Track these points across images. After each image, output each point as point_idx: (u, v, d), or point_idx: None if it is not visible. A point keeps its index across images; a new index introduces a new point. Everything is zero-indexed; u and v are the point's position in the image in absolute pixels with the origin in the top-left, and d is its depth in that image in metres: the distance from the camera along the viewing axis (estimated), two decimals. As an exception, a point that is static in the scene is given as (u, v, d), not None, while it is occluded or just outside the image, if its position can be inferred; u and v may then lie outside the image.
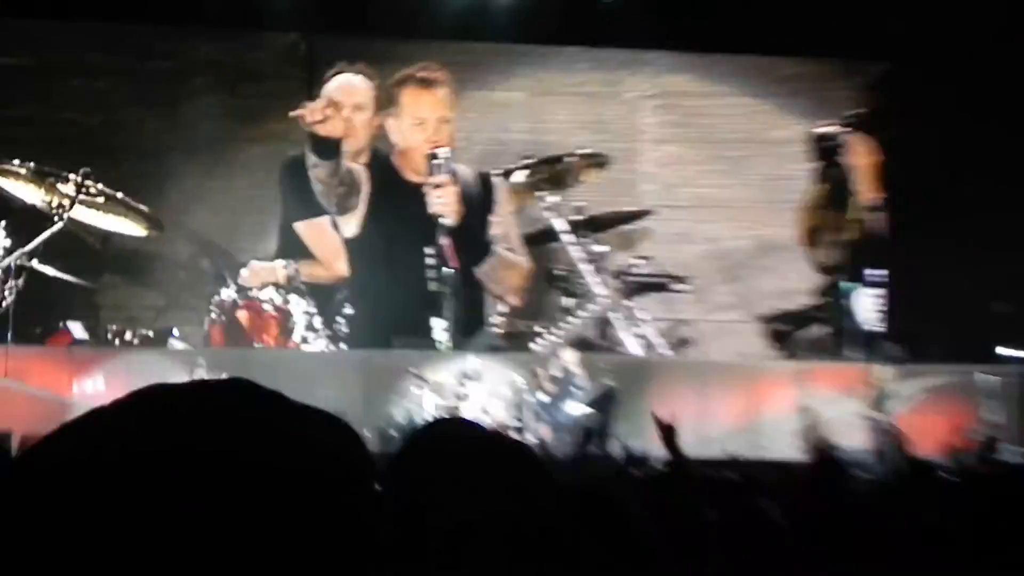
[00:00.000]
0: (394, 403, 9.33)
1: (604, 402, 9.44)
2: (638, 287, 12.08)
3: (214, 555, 1.39)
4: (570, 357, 9.72)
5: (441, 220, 10.30)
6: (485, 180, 11.14)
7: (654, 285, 12.26)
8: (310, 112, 9.87)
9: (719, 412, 9.30)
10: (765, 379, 10.50)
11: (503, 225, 11.13)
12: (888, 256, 11.61)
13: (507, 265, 10.94)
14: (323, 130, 9.93)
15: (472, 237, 10.71)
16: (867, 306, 11.07)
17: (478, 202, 11.01)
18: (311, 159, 10.07)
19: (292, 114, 10.06)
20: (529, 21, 13.38)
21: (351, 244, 11.01)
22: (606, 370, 9.81)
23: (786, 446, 7.90)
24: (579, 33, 13.63)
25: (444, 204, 10.36)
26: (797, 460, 6.17)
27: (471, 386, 9.46)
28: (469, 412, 9.16)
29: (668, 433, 4.10)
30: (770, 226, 13.41)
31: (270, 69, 13.33)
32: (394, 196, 11.17)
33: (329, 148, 10.07)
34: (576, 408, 9.14)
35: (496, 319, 11.06)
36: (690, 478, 3.77)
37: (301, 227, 11.26)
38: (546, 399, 8.97)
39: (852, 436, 8.44)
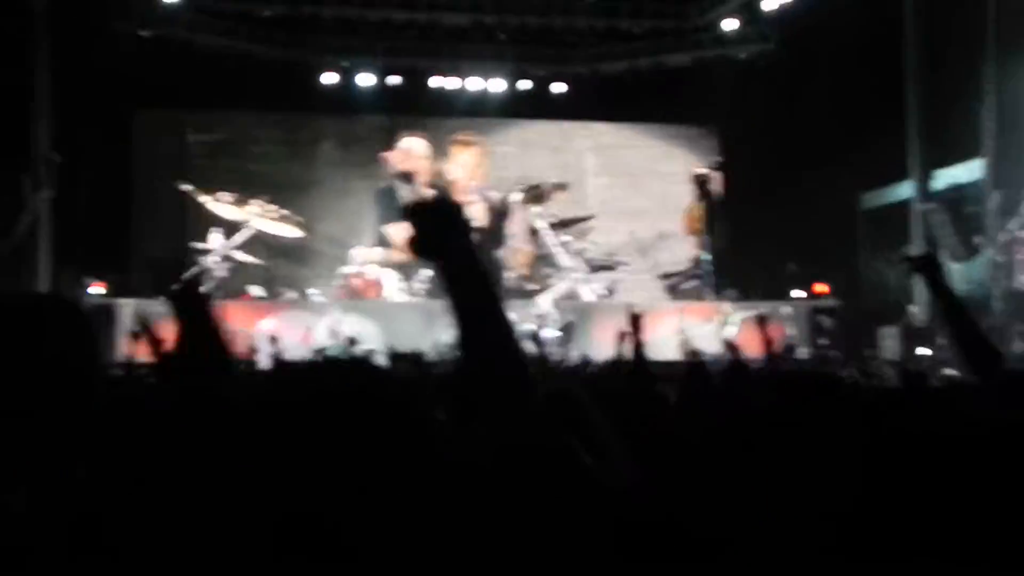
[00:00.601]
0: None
1: (568, 329, 14.88)
2: (589, 261, 16.80)
3: None
4: (546, 303, 15.49)
5: (475, 224, 16.35)
6: (503, 200, 17.28)
7: (600, 262, 17.03)
8: (393, 158, 16.45)
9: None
10: (659, 313, 14.80)
11: (514, 227, 17.21)
12: (729, 238, 17.02)
13: (516, 251, 17.04)
14: (402, 168, 16.33)
15: (495, 234, 16.74)
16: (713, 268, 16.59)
17: (499, 213, 17.30)
18: (396, 186, 16.45)
19: (382, 156, 16.28)
20: (515, 105, 19.37)
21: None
22: (569, 310, 15.39)
23: (672, 352, 10.70)
24: (546, 110, 19.42)
25: (477, 215, 16.48)
26: (678, 360, 8.92)
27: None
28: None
29: (630, 338, 4.15)
30: (665, 224, 18.81)
31: (368, 133, 18.95)
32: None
33: (406, 180, 16.27)
34: (551, 333, 14.34)
35: (510, 283, 16.56)
36: (635, 368, 3.96)
37: (389, 228, 16.87)
38: (534, 328, 13.10)
39: (709, 346, 11.87)
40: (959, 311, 2.82)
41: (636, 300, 15.70)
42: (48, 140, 15.20)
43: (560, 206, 17.41)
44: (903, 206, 16.81)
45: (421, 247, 1.91)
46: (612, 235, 18.36)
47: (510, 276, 16.96)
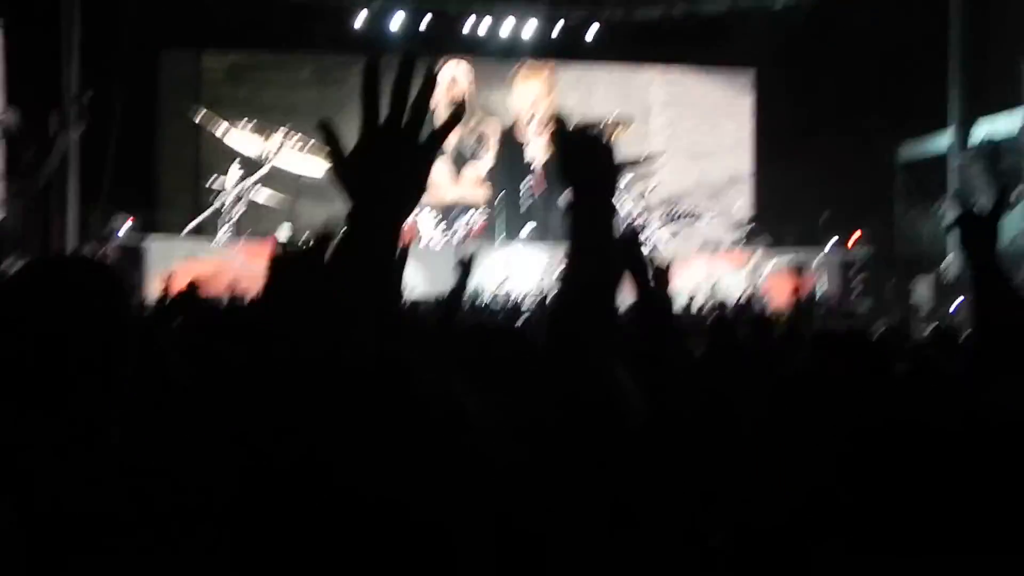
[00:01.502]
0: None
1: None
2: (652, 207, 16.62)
3: None
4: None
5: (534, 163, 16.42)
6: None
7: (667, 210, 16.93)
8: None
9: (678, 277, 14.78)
10: (688, 260, 15.29)
11: None
12: (762, 186, 17.01)
13: None
14: (448, 97, 15.82)
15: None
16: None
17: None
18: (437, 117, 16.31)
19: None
20: (547, 48, 18.76)
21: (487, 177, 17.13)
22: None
23: (700, 300, 12.73)
24: (578, 54, 18.82)
25: (537, 152, 16.27)
26: (705, 312, 10.26)
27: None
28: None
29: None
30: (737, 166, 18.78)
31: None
32: (511, 148, 16.98)
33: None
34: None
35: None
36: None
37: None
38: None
39: (739, 293, 13.55)
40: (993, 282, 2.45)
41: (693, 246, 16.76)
42: (77, 79, 15.10)
43: (622, 144, 16.32)
44: (941, 157, 16.59)
45: (567, 171, 1.82)
46: (681, 176, 18.03)
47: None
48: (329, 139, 1.55)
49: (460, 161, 18.16)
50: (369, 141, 1.54)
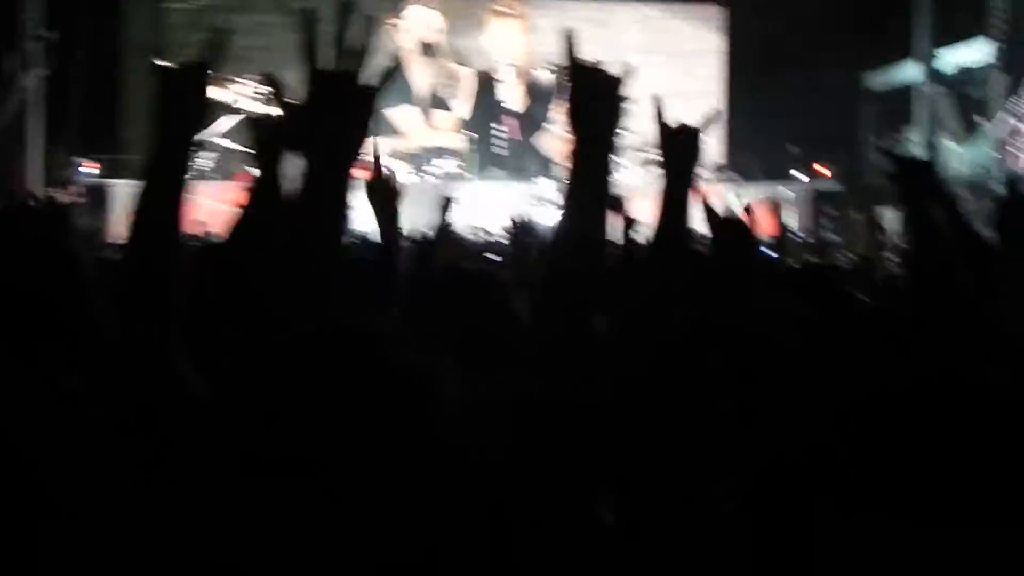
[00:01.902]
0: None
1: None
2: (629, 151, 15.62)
3: None
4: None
5: (509, 107, 16.19)
6: (548, 81, 16.34)
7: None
8: (402, 29, 15.97)
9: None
10: (653, 195, 15.08)
11: (556, 111, 16.21)
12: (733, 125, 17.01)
13: (556, 138, 16.27)
14: (418, 40, 15.94)
15: (533, 119, 16.19)
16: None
17: (541, 95, 16.50)
18: (405, 63, 16.02)
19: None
20: None
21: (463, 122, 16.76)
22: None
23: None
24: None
25: (512, 96, 16.07)
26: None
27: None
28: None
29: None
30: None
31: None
32: (486, 92, 16.70)
33: (426, 52, 16.21)
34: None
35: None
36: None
37: (395, 113, 16.57)
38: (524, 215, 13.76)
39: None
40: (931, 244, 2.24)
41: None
42: (39, 18, 14.76)
43: None
44: (907, 87, 16.59)
45: (578, 114, 1.82)
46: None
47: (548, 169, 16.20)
48: (275, 91, 1.58)
49: (436, 106, 17.73)
50: (312, 91, 1.59)
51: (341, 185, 1.60)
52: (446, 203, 4.44)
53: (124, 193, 14.43)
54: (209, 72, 1.69)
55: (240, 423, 1.31)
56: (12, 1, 14.65)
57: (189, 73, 1.68)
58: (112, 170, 15.09)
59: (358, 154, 1.64)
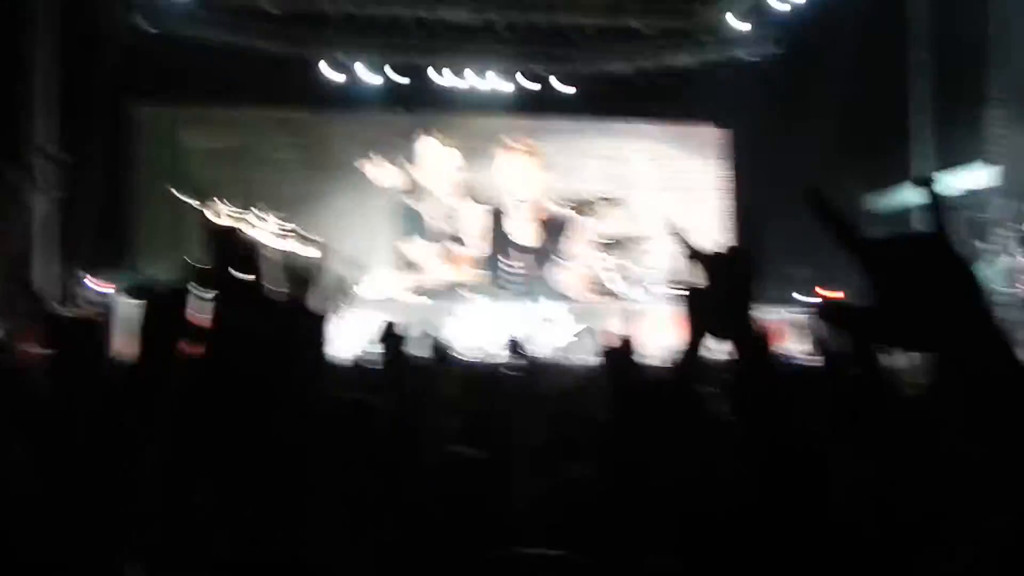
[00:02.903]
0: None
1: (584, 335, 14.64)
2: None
3: None
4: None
5: (523, 243, 16.30)
6: (563, 215, 16.22)
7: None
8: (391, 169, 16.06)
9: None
10: (660, 316, 14.17)
11: (572, 246, 16.13)
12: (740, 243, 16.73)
13: (570, 273, 16.24)
14: (415, 182, 15.83)
15: (546, 255, 16.23)
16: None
17: (555, 229, 16.47)
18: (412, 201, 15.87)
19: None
20: (520, 103, 18.76)
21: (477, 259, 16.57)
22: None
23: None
24: (551, 109, 18.76)
25: (525, 231, 16.23)
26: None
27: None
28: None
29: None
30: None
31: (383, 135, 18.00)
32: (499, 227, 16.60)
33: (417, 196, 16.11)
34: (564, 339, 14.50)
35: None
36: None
37: (406, 246, 16.78)
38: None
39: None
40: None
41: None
42: (51, 138, 14.90)
43: (611, 223, 16.41)
44: (908, 210, 16.06)
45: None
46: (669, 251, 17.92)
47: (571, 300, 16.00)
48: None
49: (451, 240, 17.72)
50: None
51: None
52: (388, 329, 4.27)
53: (130, 311, 14.08)
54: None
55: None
56: (19, 120, 14.71)
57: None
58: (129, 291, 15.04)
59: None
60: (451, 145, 17.01)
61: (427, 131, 16.94)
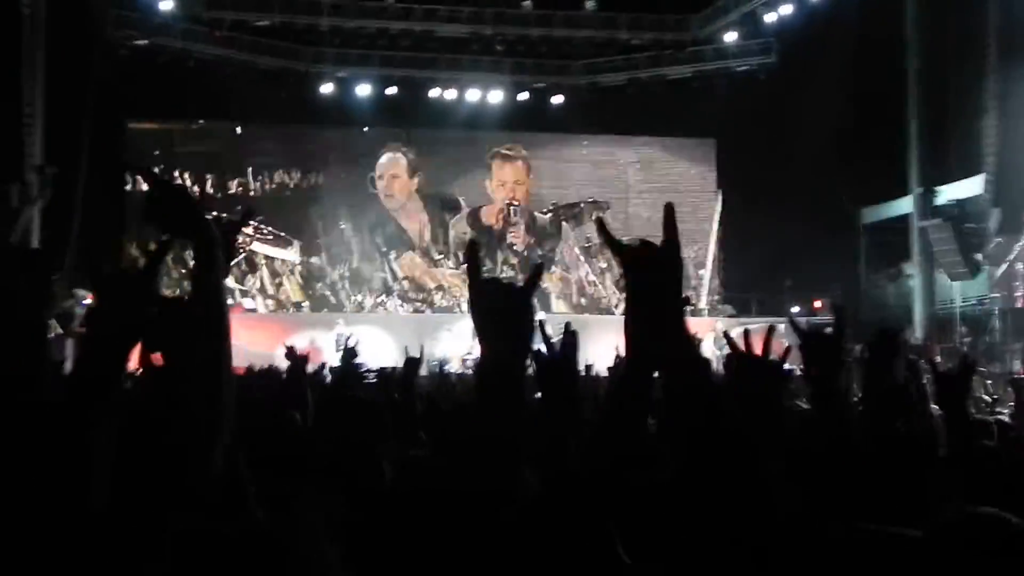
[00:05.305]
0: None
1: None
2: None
3: None
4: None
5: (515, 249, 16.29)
6: (553, 223, 16.45)
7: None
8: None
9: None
10: None
11: (562, 251, 16.39)
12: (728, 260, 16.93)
13: (556, 277, 16.52)
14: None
15: (533, 258, 16.40)
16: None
17: (544, 236, 16.64)
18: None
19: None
20: (514, 116, 18.70)
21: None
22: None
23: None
24: (544, 122, 18.87)
25: (517, 237, 16.18)
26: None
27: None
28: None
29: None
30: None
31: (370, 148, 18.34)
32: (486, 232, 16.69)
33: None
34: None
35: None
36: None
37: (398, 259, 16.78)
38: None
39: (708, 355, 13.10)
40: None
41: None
42: (41, 150, 14.98)
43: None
44: (903, 221, 16.64)
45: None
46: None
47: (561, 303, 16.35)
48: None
49: (435, 248, 17.76)
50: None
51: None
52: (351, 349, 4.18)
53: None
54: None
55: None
56: (12, 134, 14.79)
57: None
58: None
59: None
60: (442, 157, 17.03)
61: (418, 144, 16.99)
